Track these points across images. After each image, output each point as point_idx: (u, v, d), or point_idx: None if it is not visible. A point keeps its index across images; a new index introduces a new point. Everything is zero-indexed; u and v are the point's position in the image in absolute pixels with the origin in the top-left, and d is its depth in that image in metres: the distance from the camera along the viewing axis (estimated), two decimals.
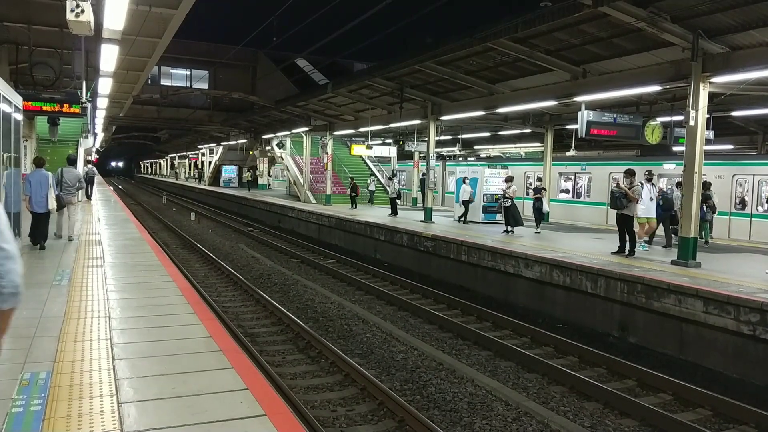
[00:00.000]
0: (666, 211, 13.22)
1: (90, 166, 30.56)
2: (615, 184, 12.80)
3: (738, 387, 7.66)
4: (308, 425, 5.88)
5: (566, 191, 22.47)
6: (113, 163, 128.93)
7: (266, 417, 3.83)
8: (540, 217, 16.29)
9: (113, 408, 3.87)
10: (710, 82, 10.47)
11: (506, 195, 15.94)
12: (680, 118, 11.51)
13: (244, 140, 40.54)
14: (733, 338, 8.10)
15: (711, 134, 13.81)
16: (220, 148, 47.78)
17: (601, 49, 12.11)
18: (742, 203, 16.48)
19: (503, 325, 10.40)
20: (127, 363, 4.75)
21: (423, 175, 23.45)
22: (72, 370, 4.53)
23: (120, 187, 56.44)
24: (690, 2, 9.30)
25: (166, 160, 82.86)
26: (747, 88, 10.95)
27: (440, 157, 29.29)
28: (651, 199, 12.59)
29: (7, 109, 8.08)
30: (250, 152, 42.81)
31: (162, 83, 38.25)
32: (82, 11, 7.09)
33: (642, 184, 12.34)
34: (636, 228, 12.23)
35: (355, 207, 24.58)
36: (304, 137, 28.84)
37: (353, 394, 7.06)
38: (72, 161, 12.01)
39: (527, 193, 21.88)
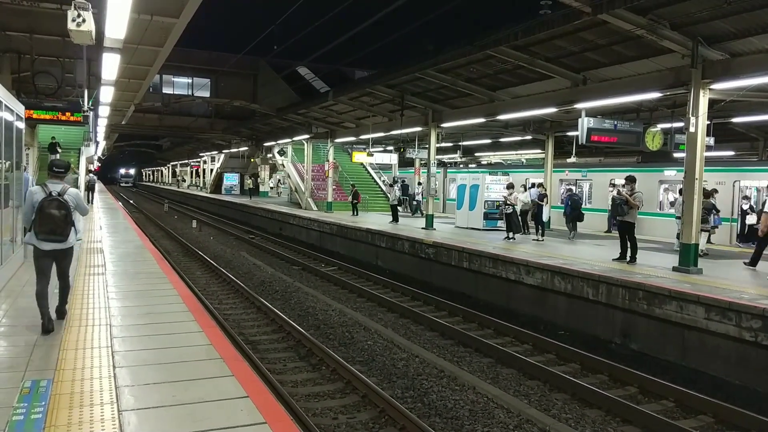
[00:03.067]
0: (574, 210, 15.89)
1: (91, 174, 31.13)
2: (616, 191, 12.78)
3: (740, 394, 7.63)
4: None
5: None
6: (123, 170, 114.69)
7: (267, 425, 3.83)
8: (541, 223, 16.26)
9: (114, 416, 3.87)
10: (710, 89, 10.48)
11: (507, 202, 15.95)
12: (681, 124, 11.54)
13: (246, 148, 40.62)
14: (735, 345, 8.08)
15: (711, 141, 13.82)
16: (222, 155, 47.87)
17: (601, 56, 12.15)
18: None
19: (505, 332, 10.38)
20: (128, 371, 4.76)
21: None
22: (73, 378, 4.54)
23: (130, 200, 56.18)
24: (689, 9, 9.34)
25: (168, 168, 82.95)
26: (747, 94, 10.97)
27: (441, 164, 29.32)
28: None
29: (9, 117, 8.11)
30: (252, 160, 42.88)
31: (164, 91, 38.37)
32: (84, 21, 7.14)
33: None
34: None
35: (356, 214, 24.59)
36: (306, 144, 28.92)
37: (354, 402, 7.04)
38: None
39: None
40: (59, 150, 17.47)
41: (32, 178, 12.21)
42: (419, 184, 25.08)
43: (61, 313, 6.35)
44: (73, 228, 5.90)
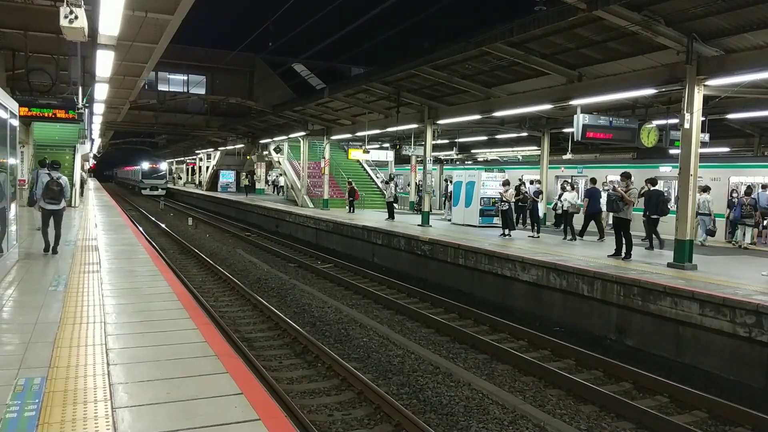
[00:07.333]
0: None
1: (81, 172, 31.67)
2: (611, 187, 12.80)
3: (735, 389, 7.67)
4: (304, 430, 5.88)
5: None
6: (147, 164, 65.30)
7: (260, 421, 3.83)
8: (537, 220, 16.29)
9: (107, 413, 3.86)
10: (705, 85, 10.51)
11: (503, 198, 15.96)
12: (676, 121, 11.56)
13: (242, 145, 40.54)
14: (729, 340, 8.11)
15: (706, 137, 13.84)
16: (218, 153, 47.77)
17: (596, 53, 12.15)
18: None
19: (500, 329, 10.40)
20: (122, 368, 4.75)
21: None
22: (67, 376, 4.53)
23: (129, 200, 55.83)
24: (684, 5, 9.35)
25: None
26: (742, 90, 11.00)
27: (437, 161, 29.31)
28: None
29: (3, 115, 8.08)
30: (248, 157, 42.81)
31: (159, 88, 38.24)
32: (76, 17, 7.10)
33: None
34: None
35: (353, 211, 24.57)
36: (302, 142, 28.87)
37: (350, 399, 7.05)
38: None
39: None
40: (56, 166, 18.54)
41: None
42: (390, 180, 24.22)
43: (55, 251, 10.33)
44: (63, 198, 10.12)
